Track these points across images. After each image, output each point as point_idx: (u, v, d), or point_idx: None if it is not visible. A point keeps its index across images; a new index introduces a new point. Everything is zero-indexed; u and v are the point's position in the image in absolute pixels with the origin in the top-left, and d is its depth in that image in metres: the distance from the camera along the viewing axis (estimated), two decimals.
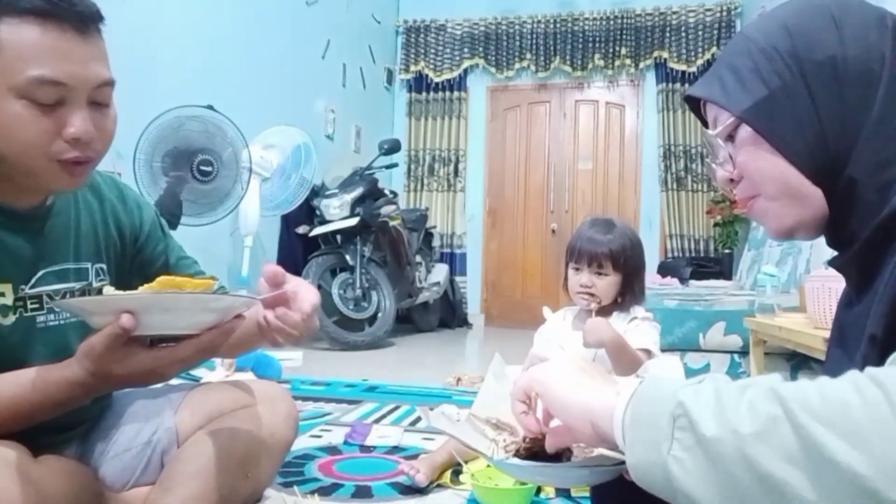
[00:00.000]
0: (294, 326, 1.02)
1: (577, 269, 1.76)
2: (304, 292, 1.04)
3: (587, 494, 1.12)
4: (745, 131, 0.73)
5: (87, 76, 0.91)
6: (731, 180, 0.78)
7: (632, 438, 0.56)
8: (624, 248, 1.74)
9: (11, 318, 0.99)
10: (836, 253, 0.75)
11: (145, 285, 0.86)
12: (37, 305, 1.02)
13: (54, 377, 0.91)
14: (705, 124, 0.82)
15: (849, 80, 0.68)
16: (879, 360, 0.57)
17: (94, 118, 0.93)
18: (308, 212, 4.75)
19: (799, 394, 0.47)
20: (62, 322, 1.05)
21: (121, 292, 0.89)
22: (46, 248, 1.04)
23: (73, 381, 0.89)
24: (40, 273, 1.03)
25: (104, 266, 1.13)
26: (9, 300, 0.99)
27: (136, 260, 1.18)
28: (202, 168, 3.23)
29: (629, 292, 1.77)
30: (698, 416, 0.50)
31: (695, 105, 0.82)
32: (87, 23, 0.91)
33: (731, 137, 0.75)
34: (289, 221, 4.72)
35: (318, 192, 4.74)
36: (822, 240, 0.77)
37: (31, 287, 1.02)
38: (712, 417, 0.50)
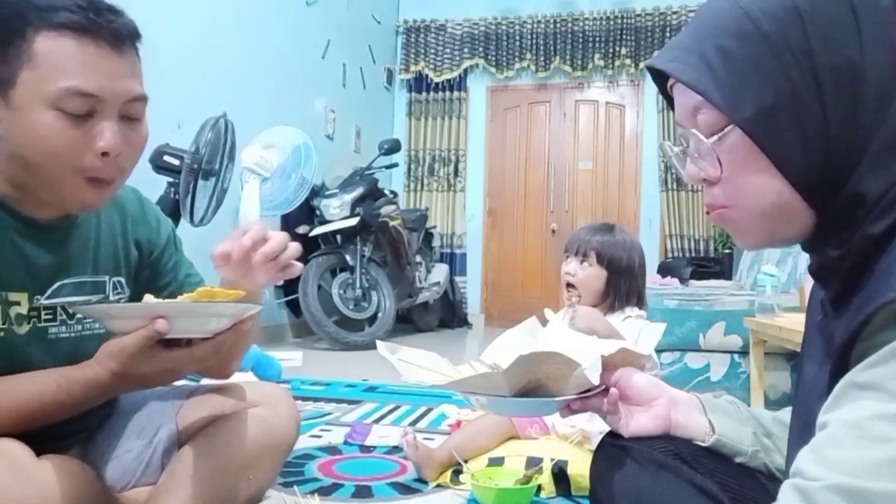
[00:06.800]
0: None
1: (567, 258, 1.85)
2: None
3: (587, 494, 1.12)
4: (737, 136, 0.62)
5: (118, 90, 0.93)
6: (705, 179, 0.67)
7: None
8: (614, 244, 1.80)
9: (25, 328, 1.01)
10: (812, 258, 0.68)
11: (185, 294, 0.95)
12: (50, 317, 1.04)
13: (77, 377, 0.95)
14: (666, 97, 0.70)
15: (866, 91, 0.58)
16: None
17: (124, 132, 0.95)
18: (308, 212, 4.75)
19: None
20: (73, 335, 1.06)
21: (156, 300, 0.95)
22: (65, 259, 1.05)
23: (95, 381, 0.94)
24: (57, 284, 1.04)
25: (122, 280, 1.14)
26: (23, 309, 1.00)
27: (148, 273, 1.20)
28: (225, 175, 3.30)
29: (616, 293, 1.81)
30: None
31: (658, 73, 0.69)
32: (122, 39, 0.94)
33: (716, 136, 0.64)
34: (289, 221, 4.72)
35: (318, 192, 4.74)
36: None
37: (47, 298, 1.03)
38: None
